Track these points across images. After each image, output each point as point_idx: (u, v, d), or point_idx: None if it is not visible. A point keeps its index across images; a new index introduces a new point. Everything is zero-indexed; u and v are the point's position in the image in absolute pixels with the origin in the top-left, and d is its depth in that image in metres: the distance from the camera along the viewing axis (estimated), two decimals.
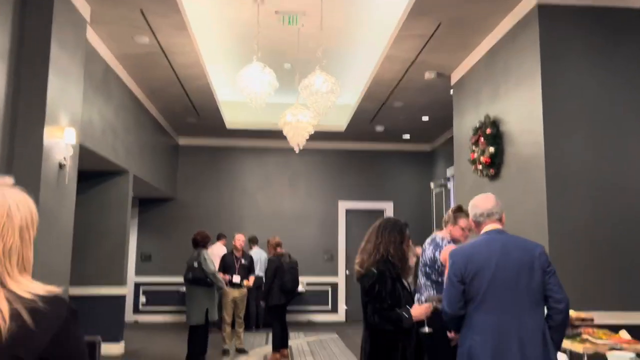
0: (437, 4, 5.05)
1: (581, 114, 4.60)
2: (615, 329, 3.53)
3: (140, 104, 7.94)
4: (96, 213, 7.22)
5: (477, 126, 5.74)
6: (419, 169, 11.20)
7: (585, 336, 3.09)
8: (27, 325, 1.03)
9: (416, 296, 3.87)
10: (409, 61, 6.56)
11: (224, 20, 6.34)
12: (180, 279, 7.15)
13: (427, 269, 3.88)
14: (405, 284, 3.19)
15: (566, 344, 3.23)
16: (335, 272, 10.85)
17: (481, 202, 2.93)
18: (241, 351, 7.33)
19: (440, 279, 3.81)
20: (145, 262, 10.53)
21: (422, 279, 3.98)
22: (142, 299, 10.46)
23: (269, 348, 7.69)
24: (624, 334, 3.33)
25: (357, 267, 3.15)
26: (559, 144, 4.56)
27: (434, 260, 3.87)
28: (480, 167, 5.65)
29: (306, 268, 9.44)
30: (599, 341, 3.02)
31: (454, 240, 3.99)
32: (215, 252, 8.78)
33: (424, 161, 11.19)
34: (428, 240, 4.13)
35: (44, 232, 4.22)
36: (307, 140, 6.89)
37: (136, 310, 10.43)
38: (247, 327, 8.34)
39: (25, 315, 1.04)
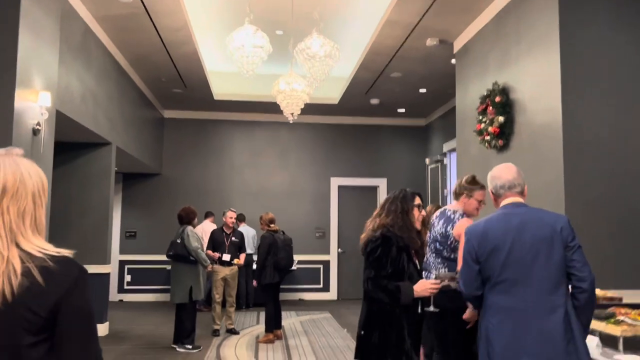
0: None
1: (603, 78, 4.28)
2: None
3: (124, 71, 7.46)
4: (77, 187, 6.80)
5: (485, 94, 5.40)
6: (413, 144, 10.87)
7: (620, 317, 2.80)
8: (37, 282, 1.12)
9: (424, 274, 3.55)
10: (410, 26, 6.17)
11: None
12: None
13: (438, 245, 3.57)
14: (415, 260, 2.89)
15: (598, 325, 2.94)
16: (327, 250, 10.56)
17: (502, 173, 2.67)
18: (232, 331, 7.02)
19: (453, 256, 3.50)
20: (130, 239, 10.13)
21: (430, 257, 3.65)
22: (127, 277, 10.09)
23: (260, 328, 7.40)
24: None
25: (361, 244, 2.90)
26: (578, 111, 4.25)
27: (445, 235, 3.55)
28: (488, 138, 5.32)
29: (297, 246, 9.05)
30: (637, 323, 2.73)
31: (467, 214, 3.67)
32: (206, 230, 8.43)
33: (419, 136, 10.86)
34: (436, 214, 3.81)
35: None
36: (298, 114, 6.52)
37: (121, 289, 10.06)
38: (237, 307, 8.02)
39: (36, 273, 1.13)
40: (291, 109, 6.40)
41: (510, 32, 5.20)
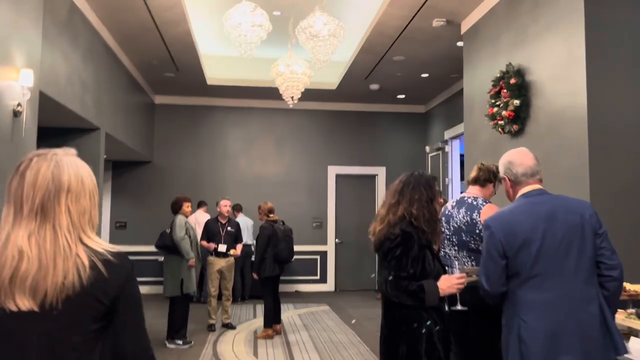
0: None
1: (633, 56, 3.98)
2: None
3: (113, 53, 7.07)
4: None
5: (498, 76, 5.10)
6: (413, 131, 10.56)
7: None
8: (102, 274, 1.27)
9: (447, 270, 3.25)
10: (417, 6, 5.84)
11: None
12: None
13: (464, 236, 3.25)
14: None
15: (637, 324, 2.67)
16: (324, 241, 10.26)
17: (523, 159, 2.49)
18: (228, 326, 6.72)
19: (480, 247, 3.20)
20: (120, 230, 9.76)
21: (450, 250, 3.34)
22: None
23: (257, 322, 7.11)
24: None
25: (370, 237, 2.56)
26: (605, 92, 3.95)
27: (472, 223, 3.23)
28: (501, 122, 5.02)
29: (294, 236, 8.81)
30: None
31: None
32: (200, 221, 8.10)
33: (419, 124, 10.55)
34: (451, 203, 3.51)
35: None
36: (298, 97, 6.19)
37: None
38: (233, 300, 7.72)
39: (100, 266, 1.27)
40: (291, 93, 6.07)
41: (525, 11, 4.89)
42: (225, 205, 6.74)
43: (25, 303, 1.20)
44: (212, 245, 6.50)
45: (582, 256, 2.25)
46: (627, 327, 2.75)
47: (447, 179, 9.21)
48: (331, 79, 9.09)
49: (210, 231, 6.61)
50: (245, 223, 8.78)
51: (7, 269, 1.21)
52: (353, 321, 6.98)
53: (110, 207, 9.63)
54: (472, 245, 3.21)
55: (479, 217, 3.21)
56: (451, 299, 2.47)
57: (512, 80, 4.85)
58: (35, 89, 4.13)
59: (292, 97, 6.09)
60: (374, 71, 8.20)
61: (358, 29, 7.03)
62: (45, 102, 4.94)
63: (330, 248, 10.29)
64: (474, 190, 3.45)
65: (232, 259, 6.67)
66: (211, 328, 6.56)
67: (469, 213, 3.27)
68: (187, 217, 6.24)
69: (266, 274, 6.19)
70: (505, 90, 4.95)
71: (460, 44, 6.82)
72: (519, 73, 4.88)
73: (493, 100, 5.19)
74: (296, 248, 9.45)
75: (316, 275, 10.23)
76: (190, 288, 5.88)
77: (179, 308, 5.92)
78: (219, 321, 6.80)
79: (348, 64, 8.01)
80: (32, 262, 1.21)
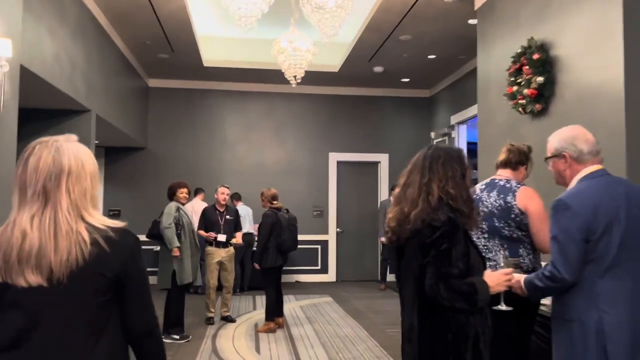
0: None
1: None
2: None
3: (104, 32, 6.66)
4: None
5: (519, 52, 4.73)
6: (417, 117, 10.20)
7: None
8: (104, 249, 1.34)
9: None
10: None
11: None
12: None
13: (496, 221, 2.90)
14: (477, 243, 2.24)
15: None
16: (325, 230, 9.92)
17: (586, 135, 2.27)
18: (228, 319, 6.38)
19: (515, 234, 2.86)
20: (113, 218, 9.31)
21: (478, 238, 2.98)
22: None
23: (258, 314, 6.78)
24: None
25: (391, 225, 2.08)
26: None
27: (506, 208, 2.88)
28: (522, 101, 4.66)
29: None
30: None
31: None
32: (197, 209, 7.73)
33: (423, 109, 10.19)
34: (479, 186, 3.16)
35: None
36: (302, 76, 5.81)
37: None
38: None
39: (102, 242, 1.35)
40: (293, 72, 5.69)
41: None
42: (222, 193, 6.38)
43: (33, 279, 1.30)
44: (213, 235, 6.13)
45: None
46: None
47: None
48: (333, 61, 8.71)
49: (208, 220, 6.25)
50: (246, 211, 8.42)
51: (14, 250, 1.31)
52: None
53: (103, 195, 9.24)
54: (506, 232, 2.87)
55: (515, 200, 2.87)
56: (494, 299, 2.12)
57: (535, 56, 4.48)
58: (16, 62, 3.74)
59: (294, 77, 5.71)
60: (378, 52, 7.82)
61: (364, 6, 6.63)
62: (29, 79, 4.57)
63: (331, 237, 9.95)
64: (505, 174, 3.10)
65: (232, 249, 6.32)
66: (210, 321, 6.23)
67: (502, 196, 2.92)
68: (182, 204, 5.89)
69: (268, 265, 5.85)
70: (527, 67, 4.58)
71: (472, 21, 6.47)
72: (543, 48, 4.52)
73: (513, 79, 4.83)
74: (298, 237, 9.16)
75: (317, 265, 9.90)
76: (184, 279, 5.54)
77: (174, 301, 5.59)
78: (218, 314, 6.46)
79: (352, 44, 7.63)
80: (33, 241, 1.31)
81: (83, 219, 1.37)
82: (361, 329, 6.03)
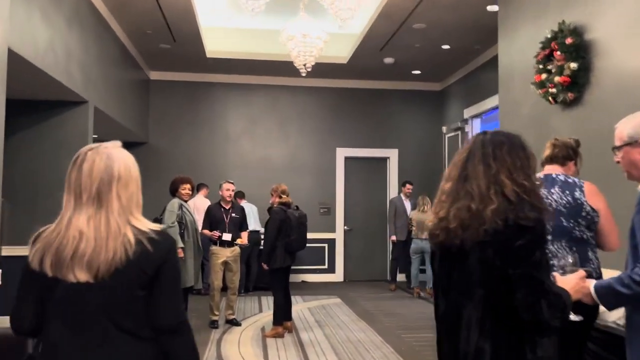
0: None
1: None
2: None
3: (102, 19, 6.32)
4: (46, 155, 5.71)
5: (549, 37, 4.38)
6: (428, 111, 9.84)
7: None
8: (147, 249, 1.46)
9: None
10: None
11: None
12: None
13: (564, 220, 2.55)
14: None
15: None
16: (332, 228, 9.58)
17: None
18: (233, 322, 6.05)
19: (585, 235, 2.52)
20: None
21: None
22: None
23: (264, 317, 6.46)
24: None
25: (452, 225, 1.68)
26: None
27: (575, 205, 2.54)
28: (553, 90, 4.32)
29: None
30: None
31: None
32: (198, 205, 7.39)
33: (434, 102, 9.83)
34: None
35: None
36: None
37: None
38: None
39: (146, 242, 1.46)
40: (303, 59, 5.35)
41: None
42: (228, 189, 6.04)
43: (82, 276, 1.42)
44: (217, 234, 5.80)
45: None
46: None
47: None
48: (342, 53, 8.36)
49: (213, 218, 5.91)
50: (250, 209, 8.08)
51: (68, 248, 1.42)
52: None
53: None
54: (577, 233, 2.52)
55: (584, 197, 2.52)
56: None
57: (568, 40, 4.14)
58: (3, 44, 3.40)
59: (304, 65, 5.37)
60: (390, 41, 7.46)
61: None
62: (20, 66, 4.24)
63: (338, 236, 9.61)
64: (557, 168, 2.76)
65: (237, 249, 5.98)
66: (214, 325, 5.89)
67: (568, 192, 2.57)
68: (185, 200, 5.56)
69: (276, 265, 5.51)
70: (558, 53, 4.24)
71: (490, 7, 6.12)
72: (576, 31, 4.17)
73: (541, 66, 4.48)
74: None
75: (324, 264, 9.56)
76: (186, 282, 5.19)
77: None
78: (222, 317, 6.13)
79: (363, 33, 7.27)
80: (90, 242, 1.42)
81: (129, 222, 1.48)
82: (374, 334, 5.69)
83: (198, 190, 8.24)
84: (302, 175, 9.44)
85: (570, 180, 2.62)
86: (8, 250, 4.54)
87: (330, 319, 6.46)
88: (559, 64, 4.22)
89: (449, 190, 1.78)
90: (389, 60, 8.33)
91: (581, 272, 1.77)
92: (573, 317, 1.83)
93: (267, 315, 6.50)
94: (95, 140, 7.23)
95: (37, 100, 5.60)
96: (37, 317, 1.48)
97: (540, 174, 2.79)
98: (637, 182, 2.00)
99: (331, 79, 9.43)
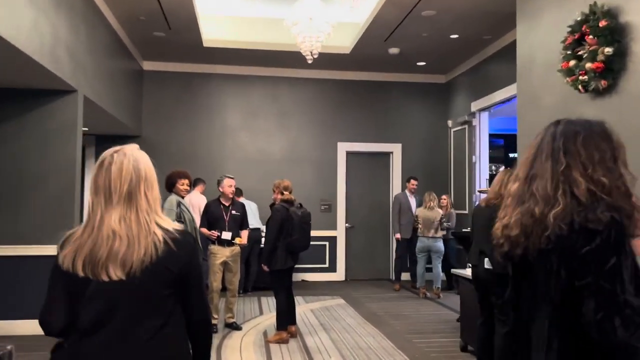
0: None
1: None
2: None
3: (92, 3, 5.92)
4: (32, 147, 5.34)
5: (579, 20, 4.04)
6: (432, 104, 9.50)
7: None
8: (172, 248, 1.52)
9: None
10: None
11: None
12: None
13: None
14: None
15: None
16: (333, 225, 9.23)
17: None
18: (233, 326, 5.70)
19: None
20: None
21: None
22: None
23: (266, 319, 6.11)
24: None
25: (513, 233, 1.46)
26: None
27: None
28: (584, 78, 3.98)
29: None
30: None
31: None
32: (194, 202, 7.02)
33: (439, 95, 9.49)
34: None
35: None
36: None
37: None
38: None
39: (170, 242, 1.52)
40: (310, 46, 4.99)
41: None
42: (230, 185, 5.67)
43: (117, 274, 1.47)
44: (215, 233, 5.44)
45: None
46: None
47: (473, 157, 8.21)
48: (344, 42, 8.00)
49: (212, 215, 5.54)
50: (249, 206, 7.71)
51: (103, 247, 1.48)
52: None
53: None
54: None
55: None
56: None
57: (602, 23, 3.80)
58: None
59: (311, 52, 5.01)
60: (396, 30, 7.10)
61: None
62: (1, 49, 3.85)
63: (340, 233, 9.27)
64: None
65: (237, 248, 5.62)
66: (213, 328, 5.53)
67: None
68: (182, 197, 5.19)
69: (277, 267, 5.15)
70: (590, 37, 3.90)
71: None
72: (610, 13, 3.84)
73: (569, 52, 4.14)
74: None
75: (325, 263, 9.22)
76: None
77: None
78: (221, 320, 5.77)
79: (369, 21, 6.90)
80: (123, 240, 1.49)
81: (155, 221, 1.54)
82: (384, 339, 5.35)
83: (194, 185, 7.86)
84: (302, 170, 9.08)
85: None
86: None
87: (336, 321, 6.11)
88: (591, 48, 3.88)
89: (514, 192, 1.54)
90: (394, 50, 7.97)
91: None
92: None
93: (269, 318, 6.15)
94: (86, 134, 6.86)
95: (20, 88, 5.23)
96: (67, 318, 1.52)
97: None
98: None
99: (333, 70, 9.07)
